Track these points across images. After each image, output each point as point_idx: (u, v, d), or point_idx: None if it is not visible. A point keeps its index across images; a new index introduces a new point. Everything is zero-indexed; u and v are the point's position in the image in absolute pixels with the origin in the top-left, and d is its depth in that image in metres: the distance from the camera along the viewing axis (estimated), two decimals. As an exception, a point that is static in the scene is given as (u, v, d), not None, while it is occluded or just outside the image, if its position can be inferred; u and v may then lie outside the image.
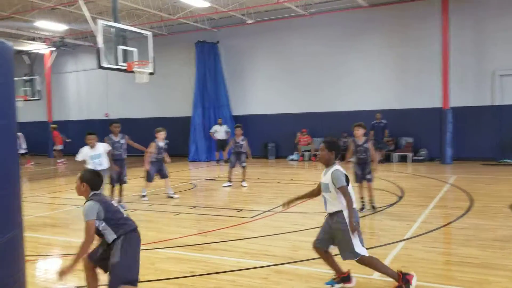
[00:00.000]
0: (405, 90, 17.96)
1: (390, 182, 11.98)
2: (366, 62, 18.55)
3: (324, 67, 19.32)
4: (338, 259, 4.66)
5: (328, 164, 4.57)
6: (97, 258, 3.95)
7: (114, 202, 3.95)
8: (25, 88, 23.36)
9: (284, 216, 8.33)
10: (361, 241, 4.42)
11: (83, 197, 3.96)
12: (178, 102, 22.42)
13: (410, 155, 17.54)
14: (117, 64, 12.09)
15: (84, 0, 13.93)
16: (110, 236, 3.81)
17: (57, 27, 20.44)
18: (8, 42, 3.28)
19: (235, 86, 21.22)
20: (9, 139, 3.27)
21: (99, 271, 4.04)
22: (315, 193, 4.81)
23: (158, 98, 22.98)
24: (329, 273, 4.85)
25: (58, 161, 20.73)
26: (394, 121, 17.54)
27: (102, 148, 8.68)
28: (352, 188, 4.47)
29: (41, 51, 24.21)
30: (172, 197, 10.48)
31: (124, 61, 12.23)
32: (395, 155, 17.72)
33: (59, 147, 21.21)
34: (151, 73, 13.07)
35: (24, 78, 23.50)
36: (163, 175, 10.56)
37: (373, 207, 8.50)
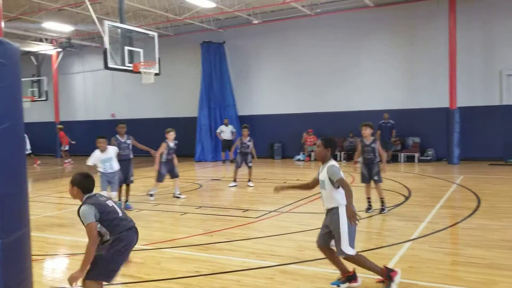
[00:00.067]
0: (412, 90, 17.89)
1: (397, 182, 11.93)
2: (373, 62, 18.50)
3: (330, 67, 19.28)
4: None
5: (324, 160, 4.66)
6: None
7: (110, 202, 3.95)
8: (32, 89, 23.56)
9: (290, 216, 8.33)
10: (352, 240, 4.45)
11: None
12: (184, 102, 22.47)
13: (417, 155, 17.48)
14: (123, 65, 12.12)
15: (91, 1, 14.00)
16: (106, 236, 3.86)
17: (64, 28, 20.58)
18: (15, 43, 3.30)
19: (241, 86, 21.23)
20: (16, 140, 3.29)
21: None
22: (310, 186, 4.95)
23: (164, 99, 23.05)
24: (335, 273, 4.84)
25: (65, 161, 20.91)
26: (401, 121, 17.48)
27: (113, 151, 8.69)
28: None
29: (48, 52, 24.35)
30: (178, 197, 10.52)
31: (130, 62, 12.26)
32: (402, 155, 17.66)
33: (66, 147, 21.41)
34: (157, 74, 13.10)
35: (31, 79, 23.68)
36: (174, 175, 10.63)
37: (382, 210, 8.15)
